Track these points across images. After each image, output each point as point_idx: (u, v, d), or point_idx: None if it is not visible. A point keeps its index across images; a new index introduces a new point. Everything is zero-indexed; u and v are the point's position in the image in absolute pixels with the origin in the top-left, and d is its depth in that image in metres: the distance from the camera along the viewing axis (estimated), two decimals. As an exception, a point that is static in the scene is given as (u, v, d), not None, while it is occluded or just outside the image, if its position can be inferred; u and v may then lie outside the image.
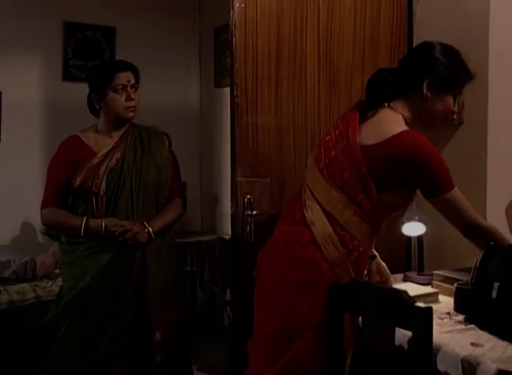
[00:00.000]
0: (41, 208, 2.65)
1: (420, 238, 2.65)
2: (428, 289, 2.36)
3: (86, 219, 2.54)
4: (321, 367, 1.95)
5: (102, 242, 2.54)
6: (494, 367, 1.61)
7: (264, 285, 2.05)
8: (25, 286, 3.60)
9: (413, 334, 1.72)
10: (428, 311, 1.69)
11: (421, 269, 2.66)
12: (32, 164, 3.97)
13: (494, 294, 1.90)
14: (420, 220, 2.54)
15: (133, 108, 2.61)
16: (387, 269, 2.29)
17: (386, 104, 2.06)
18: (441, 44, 2.10)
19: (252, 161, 2.52)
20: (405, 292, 1.76)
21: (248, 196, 2.46)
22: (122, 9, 4.49)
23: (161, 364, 2.57)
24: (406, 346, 1.85)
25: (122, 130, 2.67)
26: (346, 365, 1.97)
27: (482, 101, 2.54)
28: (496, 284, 1.90)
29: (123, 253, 2.54)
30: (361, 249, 1.99)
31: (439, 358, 1.76)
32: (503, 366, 1.61)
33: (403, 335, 1.83)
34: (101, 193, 2.55)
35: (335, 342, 1.93)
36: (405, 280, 2.57)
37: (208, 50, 4.72)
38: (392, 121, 2.02)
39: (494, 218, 2.51)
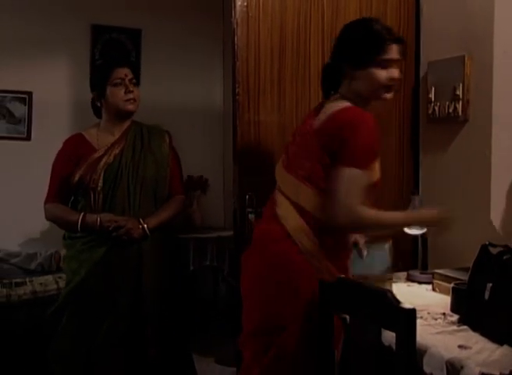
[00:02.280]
0: (44, 204, 2.64)
1: (424, 236, 2.54)
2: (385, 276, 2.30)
3: (83, 215, 2.52)
4: (306, 360, 1.87)
5: (97, 237, 2.51)
6: (477, 371, 1.51)
7: (245, 283, 2.01)
8: (48, 277, 3.61)
9: (396, 335, 1.62)
10: (412, 312, 1.58)
11: (424, 268, 2.55)
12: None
13: (486, 295, 1.79)
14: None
15: (132, 101, 2.57)
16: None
17: (333, 91, 2.00)
18: (355, 20, 2.02)
19: (254, 158, 2.45)
20: (390, 292, 1.66)
21: (250, 193, 2.40)
22: (148, 11, 4.46)
23: (155, 357, 2.52)
24: (394, 347, 1.75)
25: (124, 127, 2.64)
26: (336, 358, 1.88)
27: (487, 98, 2.43)
28: (489, 285, 1.79)
29: (117, 248, 2.51)
30: (336, 237, 1.91)
31: (425, 360, 1.66)
32: (486, 370, 1.50)
33: (392, 336, 1.73)
34: (99, 188, 2.52)
35: (324, 340, 1.85)
36: (408, 278, 2.48)
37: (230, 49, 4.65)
38: (336, 102, 1.94)
39: (498, 215, 2.41)
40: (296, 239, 1.89)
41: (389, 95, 1.97)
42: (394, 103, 2.78)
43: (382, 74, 1.91)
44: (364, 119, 1.86)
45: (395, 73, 1.94)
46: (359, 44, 1.92)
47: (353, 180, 1.82)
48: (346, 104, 1.92)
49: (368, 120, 1.86)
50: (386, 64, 1.91)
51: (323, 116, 1.94)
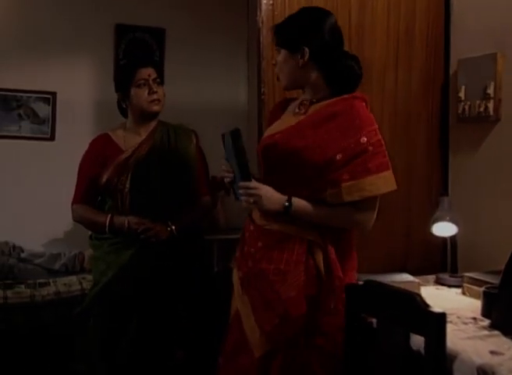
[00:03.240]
0: (71, 205, 2.66)
1: (453, 239, 2.52)
2: (410, 278, 2.29)
3: (111, 216, 2.54)
4: None
5: (125, 239, 2.52)
6: (510, 377, 1.49)
7: None
8: (72, 278, 3.66)
9: (425, 340, 1.61)
10: (441, 316, 1.58)
11: (454, 271, 2.54)
12: (81, 161, 4.06)
13: (519, 299, 1.77)
14: (451, 220, 2.41)
15: (157, 101, 2.58)
16: None
17: None
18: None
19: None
20: (419, 295, 1.66)
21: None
22: (171, 10, 4.49)
23: (182, 360, 2.53)
24: (423, 352, 1.74)
25: (150, 128, 2.65)
26: None
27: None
28: (522, 289, 1.77)
29: (145, 250, 2.52)
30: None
31: (455, 366, 1.65)
32: (518, 377, 1.49)
33: (421, 340, 1.72)
34: (126, 190, 2.54)
35: (351, 343, 1.85)
36: (436, 281, 2.46)
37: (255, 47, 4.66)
38: None
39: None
40: None
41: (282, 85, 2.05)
42: (423, 102, 2.76)
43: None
44: None
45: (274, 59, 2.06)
46: None
47: None
48: None
49: None
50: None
51: None
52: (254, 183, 1.87)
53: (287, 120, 2.02)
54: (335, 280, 1.90)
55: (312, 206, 1.88)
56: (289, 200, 1.87)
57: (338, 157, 1.84)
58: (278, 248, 1.92)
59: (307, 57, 1.94)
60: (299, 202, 1.88)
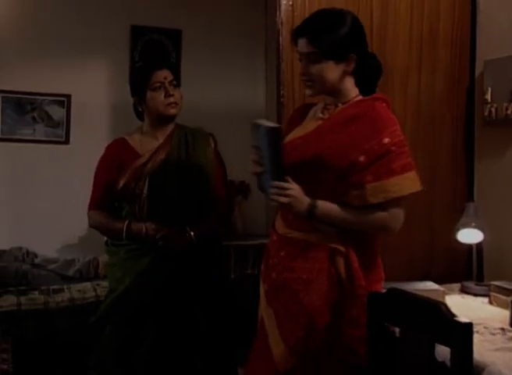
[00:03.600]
0: (88, 211, 2.67)
1: (479, 246, 2.50)
2: (434, 286, 2.27)
3: (128, 223, 2.53)
4: None
5: (143, 246, 2.53)
6: (540, 391, 1.47)
7: None
8: (87, 285, 3.68)
9: (451, 351, 1.59)
10: (468, 326, 1.56)
11: (480, 279, 2.50)
12: (97, 165, 4.10)
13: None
14: (477, 227, 2.38)
15: (173, 105, 2.58)
16: None
17: None
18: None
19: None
20: (444, 304, 1.64)
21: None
22: (188, 11, 4.52)
23: (202, 370, 2.53)
24: (449, 363, 1.72)
25: (168, 132, 2.65)
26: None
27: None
28: (553, 299, 1.75)
29: (163, 257, 2.51)
30: None
31: (483, 379, 1.63)
32: (549, 391, 1.46)
33: (446, 351, 1.70)
34: (144, 195, 2.54)
35: (373, 353, 1.84)
36: (462, 290, 2.43)
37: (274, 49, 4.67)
38: None
39: None
40: None
41: (308, 92, 2.00)
42: (447, 105, 2.75)
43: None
44: None
45: (301, 69, 1.98)
46: None
47: None
48: None
49: None
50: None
51: None
52: (288, 184, 1.86)
53: (309, 125, 2.01)
54: (357, 289, 1.89)
55: (337, 209, 1.88)
56: (314, 202, 1.87)
57: (361, 159, 1.84)
58: (300, 256, 1.92)
59: (353, 64, 1.92)
60: (324, 204, 1.88)
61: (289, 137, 2.01)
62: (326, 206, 1.88)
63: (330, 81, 1.92)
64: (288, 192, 1.85)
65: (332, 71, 1.90)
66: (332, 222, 1.89)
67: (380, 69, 2.00)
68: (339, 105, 1.97)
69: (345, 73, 1.92)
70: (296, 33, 1.94)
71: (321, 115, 2.00)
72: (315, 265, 1.90)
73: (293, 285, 1.91)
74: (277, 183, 1.86)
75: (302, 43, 1.92)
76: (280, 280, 1.94)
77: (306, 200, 1.87)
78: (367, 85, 1.98)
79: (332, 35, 1.88)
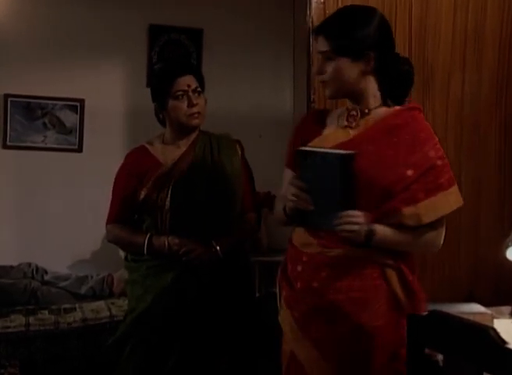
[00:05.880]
0: (106, 224, 2.68)
1: (530, 264, 2.46)
2: (481, 308, 2.26)
3: (149, 236, 2.54)
4: None
5: (165, 261, 2.53)
6: None
7: None
8: (100, 304, 3.70)
9: (501, 381, 1.57)
10: (520, 354, 1.53)
11: (532, 302, 2.47)
12: (114, 175, 4.11)
13: None
14: (528, 244, 2.35)
15: (196, 115, 2.58)
16: None
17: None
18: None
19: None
20: (493, 329, 1.61)
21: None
22: (210, 9, 4.54)
23: None
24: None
25: (191, 139, 2.65)
26: None
27: None
28: None
29: (188, 273, 2.52)
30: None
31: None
32: None
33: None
34: (166, 207, 2.54)
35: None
36: (512, 313, 2.40)
37: (302, 50, 4.68)
38: None
39: None
40: None
41: (326, 93, 2.02)
42: (494, 109, 2.72)
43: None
44: None
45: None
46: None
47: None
48: None
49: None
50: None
51: None
52: (355, 211, 1.84)
53: (335, 136, 1.99)
54: (417, 303, 1.91)
55: (392, 232, 1.87)
56: (372, 227, 1.85)
57: (409, 173, 1.84)
58: (346, 274, 1.91)
59: (373, 63, 1.92)
60: (380, 229, 1.86)
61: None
62: (383, 230, 1.87)
63: (346, 80, 1.92)
64: (356, 219, 1.83)
65: (347, 69, 1.91)
66: (386, 246, 1.89)
67: (410, 74, 1.99)
68: (366, 111, 1.96)
69: (364, 73, 1.92)
70: (314, 31, 1.98)
71: (346, 123, 1.99)
72: (367, 282, 1.90)
73: (344, 307, 1.90)
74: (351, 212, 1.83)
75: (320, 41, 1.94)
76: (324, 303, 1.93)
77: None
78: (394, 92, 1.97)
79: (349, 31, 1.90)
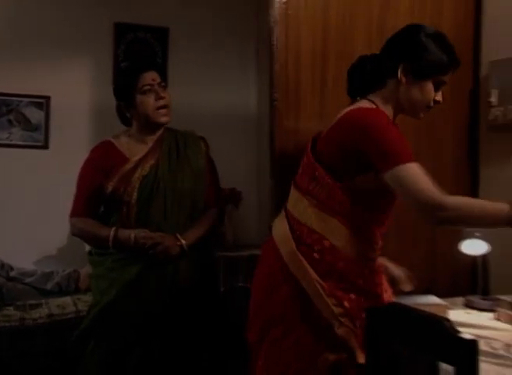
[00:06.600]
0: (70, 218, 2.67)
1: (484, 258, 2.52)
2: (436, 300, 2.28)
3: (115, 230, 2.54)
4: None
5: (131, 255, 2.53)
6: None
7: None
8: (66, 299, 3.66)
9: (455, 370, 1.60)
10: (473, 344, 1.57)
11: (485, 293, 2.53)
12: (80, 171, 4.09)
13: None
14: (481, 237, 2.40)
15: (164, 111, 2.60)
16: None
17: (359, 98, 2.04)
18: (426, 26, 2.03)
19: (293, 171, 2.46)
20: (447, 320, 1.65)
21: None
22: (176, 8, 4.54)
23: None
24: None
25: (157, 135, 2.67)
26: None
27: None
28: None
29: (153, 267, 2.52)
30: (326, 244, 1.93)
31: (485, 398, 1.64)
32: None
33: (450, 370, 1.71)
34: (133, 202, 2.55)
35: (372, 371, 1.85)
36: (466, 304, 2.45)
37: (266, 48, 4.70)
38: (351, 106, 2.00)
39: None
40: (278, 244, 2.01)
41: (422, 116, 2.04)
42: (448, 108, 2.76)
43: (433, 93, 1.98)
44: (377, 113, 1.92)
45: (441, 96, 2.01)
46: (432, 55, 1.96)
47: (412, 175, 1.81)
48: (364, 104, 1.99)
49: (382, 114, 1.93)
50: (440, 86, 1.99)
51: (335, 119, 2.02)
52: None
53: None
54: None
55: None
56: None
57: None
58: None
59: None
60: None
61: None
62: None
63: None
64: None
65: None
66: None
67: None
68: None
69: None
70: (458, 66, 2.02)
71: None
72: None
73: None
74: None
75: (450, 74, 2.01)
76: None
77: None
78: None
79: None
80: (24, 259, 4.13)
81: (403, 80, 1.96)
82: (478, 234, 2.42)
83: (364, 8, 2.57)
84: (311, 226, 1.95)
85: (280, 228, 2.04)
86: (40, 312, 3.48)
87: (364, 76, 2.05)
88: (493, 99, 2.65)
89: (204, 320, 2.61)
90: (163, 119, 2.61)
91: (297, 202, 2.01)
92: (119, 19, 4.44)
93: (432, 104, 2.00)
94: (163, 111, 2.60)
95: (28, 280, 3.91)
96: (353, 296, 1.94)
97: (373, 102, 1.99)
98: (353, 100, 2.07)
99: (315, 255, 1.94)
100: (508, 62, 2.60)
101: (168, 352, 2.53)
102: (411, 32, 2.00)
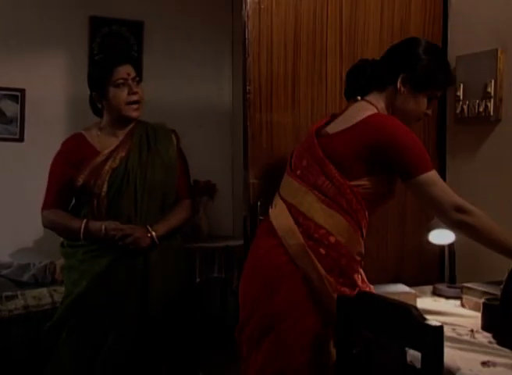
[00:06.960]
0: (42, 210, 2.66)
1: (451, 247, 2.56)
2: (405, 288, 2.32)
3: (86, 222, 2.54)
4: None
5: (101, 246, 2.53)
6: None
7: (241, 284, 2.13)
8: (42, 290, 3.64)
9: (422, 355, 1.63)
10: (439, 329, 1.60)
11: (452, 281, 2.57)
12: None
13: (521, 311, 1.80)
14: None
15: (136, 106, 2.60)
16: None
17: (359, 97, 2.10)
18: (428, 42, 2.14)
19: (266, 162, 2.47)
20: (415, 307, 1.68)
21: (261, 199, 2.42)
22: (151, 2, 4.52)
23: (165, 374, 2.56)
24: (419, 364, 1.77)
25: (128, 128, 2.67)
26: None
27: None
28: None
29: (123, 258, 2.53)
30: (332, 239, 1.95)
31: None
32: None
33: (417, 355, 1.74)
34: (103, 194, 2.55)
35: (343, 359, 1.87)
36: (434, 292, 2.49)
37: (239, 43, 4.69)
38: (362, 109, 2.03)
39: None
40: (283, 239, 1.98)
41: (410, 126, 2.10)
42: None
43: (425, 106, 2.09)
44: (397, 123, 1.99)
45: (430, 111, 2.14)
46: (430, 71, 2.05)
47: (438, 182, 1.97)
48: (373, 111, 2.03)
49: (397, 122, 2.00)
50: (431, 100, 2.10)
51: (342, 119, 2.06)
52: None
53: None
54: None
55: None
56: None
57: None
58: None
59: None
60: None
61: None
62: None
63: None
64: None
65: None
66: None
67: None
68: None
69: None
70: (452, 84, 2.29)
71: None
72: None
73: None
74: None
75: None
76: None
77: None
78: None
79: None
80: (0, 252, 4.10)
81: (402, 89, 2.04)
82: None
83: (335, 4, 2.58)
84: (318, 222, 1.96)
85: (283, 221, 2.01)
86: (16, 303, 3.47)
87: (364, 79, 2.12)
88: (460, 93, 2.68)
89: (178, 311, 2.62)
90: (134, 114, 2.61)
91: (304, 196, 2.00)
92: (94, 13, 4.40)
93: (422, 117, 2.12)
94: (134, 106, 2.60)
95: (4, 272, 3.89)
96: (347, 291, 1.98)
97: (375, 106, 2.05)
98: (351, 100, 2.15)
99: (321, 250, 1.95)
100: (472, 57, 2.63)
101: (141, 343, 2.54)
102: (411, 45, 2.10)
